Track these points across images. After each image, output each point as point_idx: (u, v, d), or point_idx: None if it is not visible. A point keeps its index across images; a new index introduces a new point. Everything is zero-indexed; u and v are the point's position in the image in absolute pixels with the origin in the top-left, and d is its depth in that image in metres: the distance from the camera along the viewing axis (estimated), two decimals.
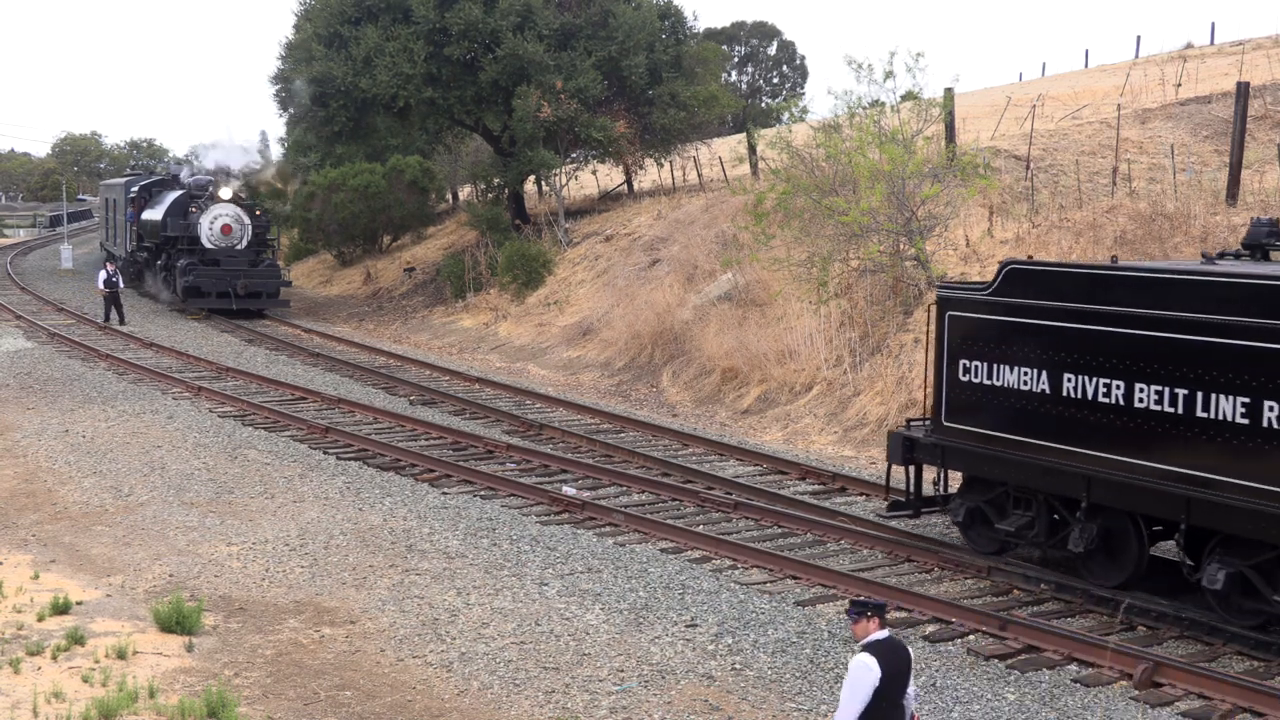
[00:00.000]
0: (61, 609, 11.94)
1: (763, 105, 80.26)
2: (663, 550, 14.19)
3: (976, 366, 13.09)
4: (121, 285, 35.76)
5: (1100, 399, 11.85)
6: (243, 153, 43.23)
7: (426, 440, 20.00)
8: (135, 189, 42.96)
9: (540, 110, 35.97)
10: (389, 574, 13.35)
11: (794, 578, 13.22)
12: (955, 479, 14.46)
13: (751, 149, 33.47)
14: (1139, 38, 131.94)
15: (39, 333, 32.12)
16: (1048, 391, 12.35)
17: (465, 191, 53.49)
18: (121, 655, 10.87)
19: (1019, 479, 12.91)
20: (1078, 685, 10.47)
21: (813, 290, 22.71)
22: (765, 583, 13.11)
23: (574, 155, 40.46)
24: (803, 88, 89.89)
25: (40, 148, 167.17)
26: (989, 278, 14.15)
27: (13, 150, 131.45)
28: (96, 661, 10.77)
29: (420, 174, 47.93)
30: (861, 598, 7.54)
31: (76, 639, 11.15)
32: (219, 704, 9.58)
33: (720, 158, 39.28)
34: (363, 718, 9.92)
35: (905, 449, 14.04)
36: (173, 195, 39.40)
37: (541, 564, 13.65)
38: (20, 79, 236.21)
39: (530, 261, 34.92)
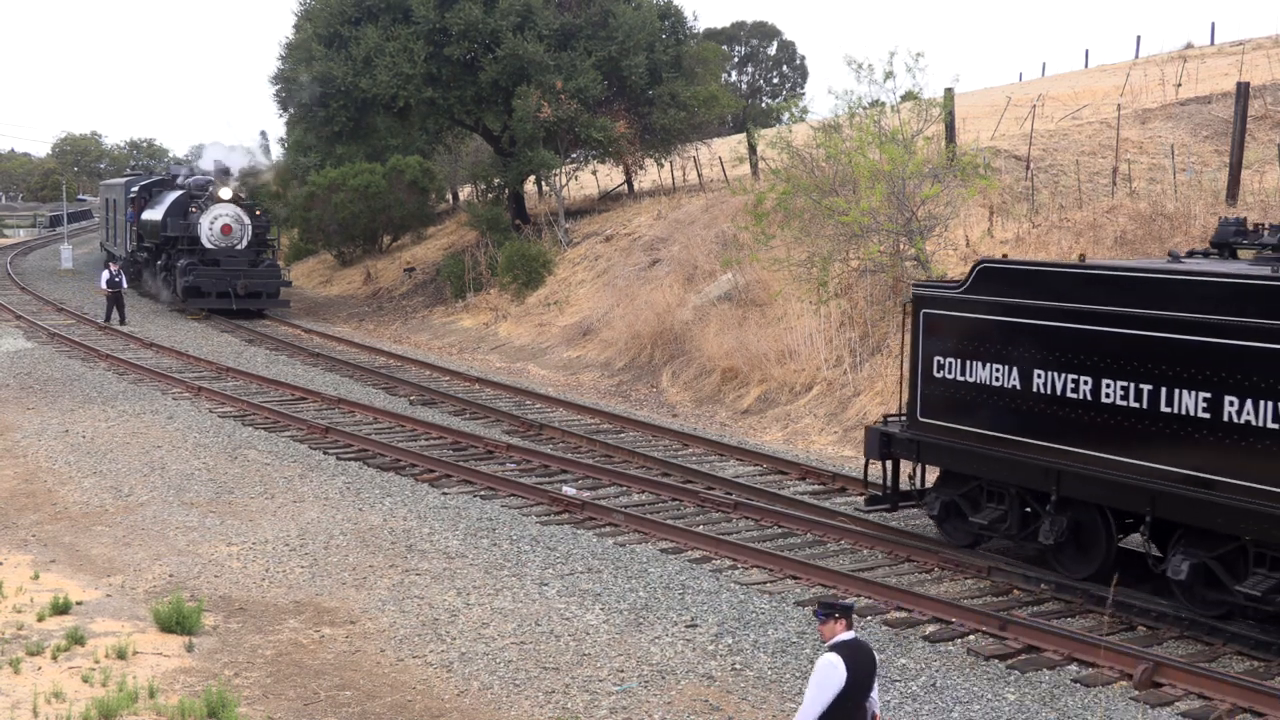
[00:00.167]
0: (61, 609, 11.94)
1: (763, 105, 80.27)
2: (663, 550, 14.19)
3: (950, 363, 13.40)
4: (125, 285, 35.77)
5: (1069, 395, 12.14)
6: (244, 154, 43.22)
7: (426, 440, 20.00)
8: (135, 189, 42.96)
9: (540, 110, 35.97)
10: (389, 574, 13.35)
11: (794, 578, 13.22)
12: (933, 474, 14.61)
13: (751, 149, 33.47)
14: (1139, 38, 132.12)
15: (39, 333, 32.12)
16: (1018, 387, 12.64)
17: (465, 191, 53.50)
18: (121, 655, 10.87)
19: (991, 473, 13.18)
20: (1078, 685, 10.47)
21: (813, 290, 22.71)
22: (765, 583, 13.11)
23: (574, 155, 40.47)
24: (803, 88, 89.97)
25: (40, 148, 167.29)
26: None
27: (13, 150, 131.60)
28: (96, 661, 10.77)
29: (420, 174, 47.92)
30: (830, 599, 7.64)
31: (76, 639, 11.15)
32: (219, 704, 9.58)
33: (720, 158, 39.28)
34: (363, 718, 9.92)
35: (882, 444, 14.33)
36: (173, 195, 39.40)
37: (541, 564, 13.65)
38: (20, 79, 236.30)
39: (530, 261, 34.92)
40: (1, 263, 56.10)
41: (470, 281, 36.53)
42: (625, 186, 44.36)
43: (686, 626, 11.80)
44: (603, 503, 16.12)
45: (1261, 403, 10.56)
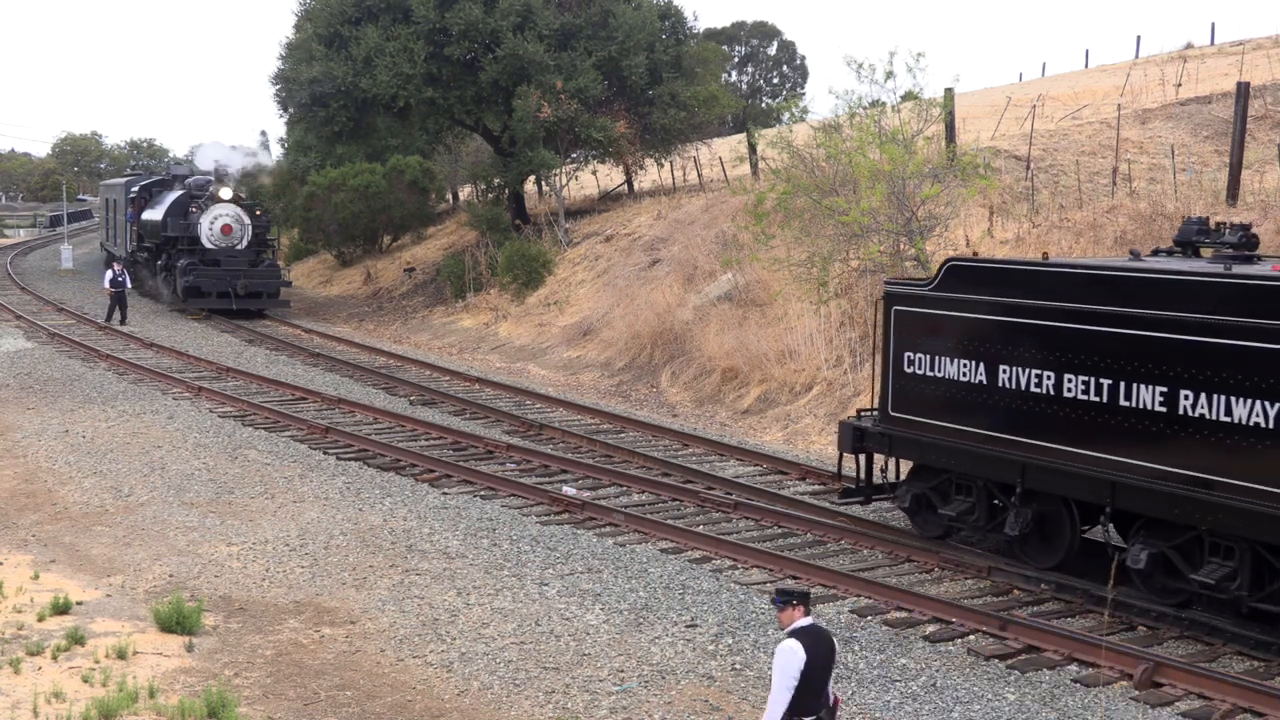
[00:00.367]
0: (61, 609, 11.94)
1: (763, 105, 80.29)
2: (663, 550, 14.19)
3: (920, 359, 13.74)
4: (129, 286, 35.76)
5: (1032, 389, 12.47)
6: (243, 156, 43.20)
7: (426, 440, 20.00)
8: (135, 189, 42.96)
9: (540, 110, 35.97)
10: (389, 574, 13.35)
11: (794, 578, 13.21)
12: (907, 467, 14.88)
13: (752, 149, 33.47)
14: (1139, 38, 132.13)
15: (39, 333, 32.12)
16: (984, 382, 12.97)
17: (465, 191, 53.49)
18: (121, 655, 10.87)
19: (960, 466, 13.49)
20: (1078, 685, 10.47)
21: (813, 290, 22.70)
22: (765, 583, 13.10)
23: (574, 155, 40.47)
24: (803, 88, 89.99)
25: (40, 148, 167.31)
26: None
27: (13, 150, 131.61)
28: (96, 661, 10.77)
29: (420, 174, 47.92)
30: (786, 586, 7.80)
31: (76, 639, 11.15)
32: (219, 704, 9.58)
33: (720, 158, 39.28)
34: (363, 718, 9.92)
35: (855, 438, 14.65)
36: (173, 195, 39.39)
37: (541, 564, 13.65)
38: (20, 79, 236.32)
39: (530, 261, 34.92)
40: (1, 263, 56.10)
41: (470, 281, 36.53)
42: (625, 186, 44.36)
43: (687, 626, 11.80)
44: (603, 503, 16.12)
45: (1215, 396, 10.87)
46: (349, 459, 18.54)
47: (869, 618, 12.04)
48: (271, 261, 38.68)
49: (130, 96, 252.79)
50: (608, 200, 43.09)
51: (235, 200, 38.40)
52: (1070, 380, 12.06)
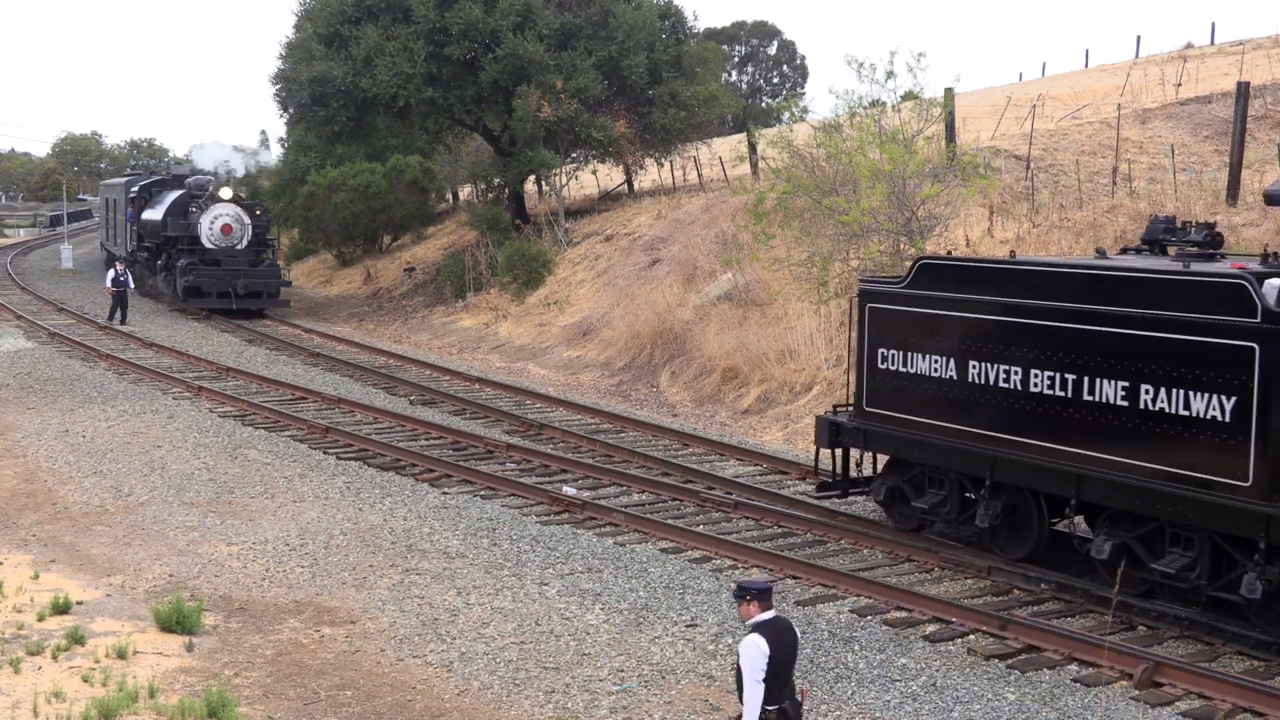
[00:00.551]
0: (61, 609, 11.94)
1: (763, 105, 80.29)
2: (663, 550, 14.19)
3: (893, 355, 14.05)
4: (131, 285, 35.76)
5: (1001, 384, 12.79)
6: (242, 158, 43.19)
7: (426, 440, 20.00)
8: (135, 189, 42.97)
9: (540, 110, 35.96)
10: (389, 574, 13.35)
11: (794, 578, 13.22)
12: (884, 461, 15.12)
13: (752, 149, 33.46)
14: (1139, 38, 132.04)
15: (39, 333, 32.12)
16: (955, 378, 13.32)
17: (465, 191, 53.49)
18: (121, 655, 10.87)
19: (932, 460, 13.81)
20: (1078, 685, 10.47)
21: (813, 290, 22.70)
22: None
23: (574, 155, 40.47)
24: (803, 88, 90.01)
25: (40, 148, 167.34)
26: None
27: (13, 150, 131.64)
28: (96, 661, 10.77)
29: (420, 174, 47.92)
30: (746, 581, 7.99)
31: (76, 639, 11.15)
32: (219, 704, 9.58)
33: (720, 158, 39.26)
34: (363, 718, 9.92)
35: (831, 433, 14.99)
36: (173, 195, 39.39)
37: (542, 564, 13.65)
38: (20, 79, 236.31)
39: (530, 261, 34.92)
40: (1, 262, 56.10)
41: (470, 281, 36.53)
42: (625, 186, 44.35)
43: (687, 626, 11.80)
44: (603, 502, 16.12)
45: (1174, 391, 11.17)
46: (349, 459, 18.54)
47: (869, 617, 12.05)
48: (271, 261, 38.69)
49: (130, 96, 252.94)
50: (608, 200, 43.09)
51: (235, 200, 38.42)
52: (1036, 375, 12.36)
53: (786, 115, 30.50)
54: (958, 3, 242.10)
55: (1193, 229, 12.96)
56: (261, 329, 34.07)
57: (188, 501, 16.24)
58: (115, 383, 24.87)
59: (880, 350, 14.18)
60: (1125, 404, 11.53)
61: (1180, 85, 33.95)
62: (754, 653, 7.48)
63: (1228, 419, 10.74)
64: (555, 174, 38.61)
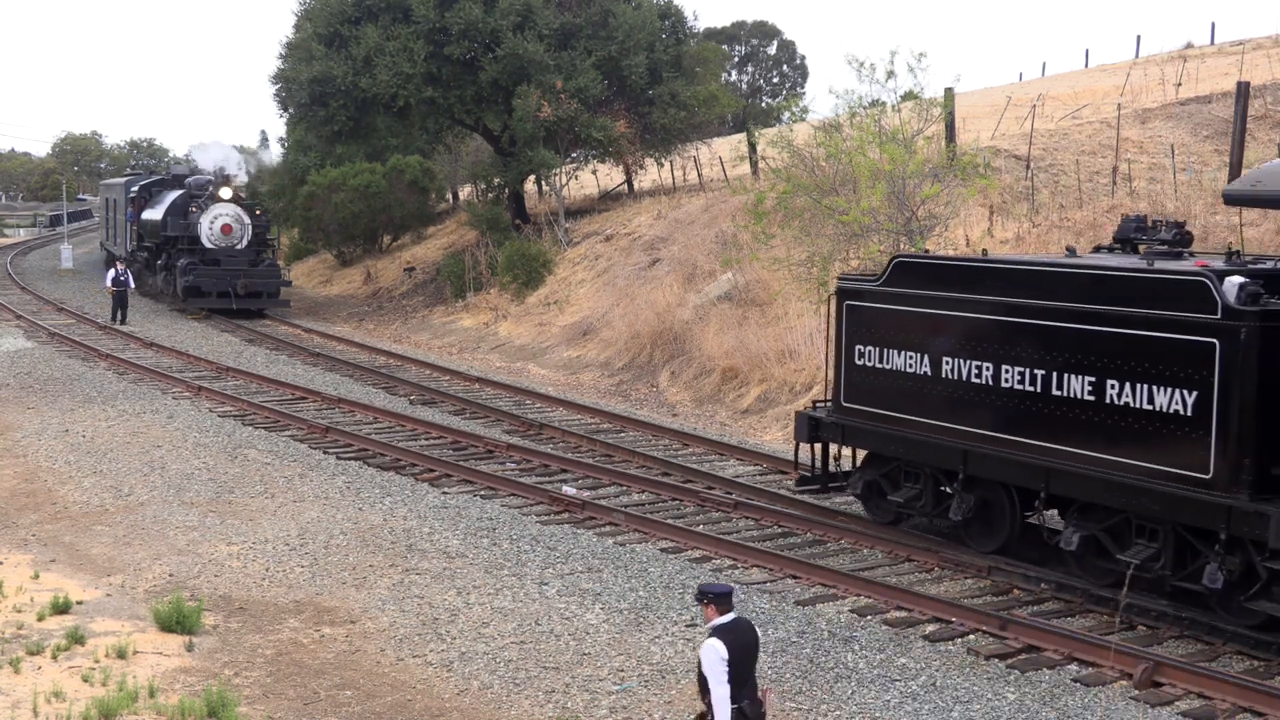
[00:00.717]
0: (61, 608, 11.94)
1: (763, 105, 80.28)
2: (663, 550, 14.20)
3: (870, 351, 14.29)
4: (131, 285, 35.76)
5: (973, 380, 13.01)
6: (240, 160, 43.17)
7: (426, 440, 20.00)
8: (135, 189, 42.97)
9: (540, 110, 35.96)
10: (389, 574, 13.35)
11: (794, 578, 13.22)
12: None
13: (752, 148, 33.45)
14: (1139, 38, 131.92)
15: (39, 332, 32.12)
16: (929, 373, 13.53)
17: (465, 191, 53.48)
18: (121, 655, 10.87)
19: (907, 454, 14.04)
20: (1078, 685, 10.47)
21: (813, 290, 22.70)
22: (765, 582, 13.11)
23: (574, 155, 40.46)
24: (803, 87, 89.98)
25: (40, 148, 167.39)
26: None
27: (13, 150, 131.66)
28: (96, 661, 10.77)
29: (420, 174, 47.92)
30: (707, 585, 8.09)
31: (76, 639, 11.15)
32: (219, 704, 9.58)
33: (720, 157, 39.26)
34: (363, 717, 9.92)
35: (810, 428, 15.18)
36: (173, 195, 39.40)
37: (542, 564, 13.65)
38: (20, 79, 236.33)
39: (530, 261, 34.91)
40: (1, 262, 56.10)
41: (470, 281, 36.53)
42: (625, 186, 44.35)
43: (687, 626, 11.80)
44: (603, 502, 16.12)
45: (1139, 386, 11.36)
46: (349, 458, 18.54)
47: (869, 617, 12.04)
48: (271, 261, 38.69)
49: (130, 96, 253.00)
50: (608, 200, 43.09)
51: (235, 200, 38.41)
52: (1007, 371, 12.59)
53: (786, 115, 30.49)
54: (958, 3, 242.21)
55: (1163, 228, 13.17)
56: (261, 329, 34.07)
57: (188, 501, 16.24)
58: (115, 382, 24.87)
59: (857, 347, 14.42)
60: (1092, 399, 11.75)
61: (1180, 85, 33.95)
62: (713, 656, 7.62)
63: (1190, 413, 10.94)
64: (555, 174, 38.61)
